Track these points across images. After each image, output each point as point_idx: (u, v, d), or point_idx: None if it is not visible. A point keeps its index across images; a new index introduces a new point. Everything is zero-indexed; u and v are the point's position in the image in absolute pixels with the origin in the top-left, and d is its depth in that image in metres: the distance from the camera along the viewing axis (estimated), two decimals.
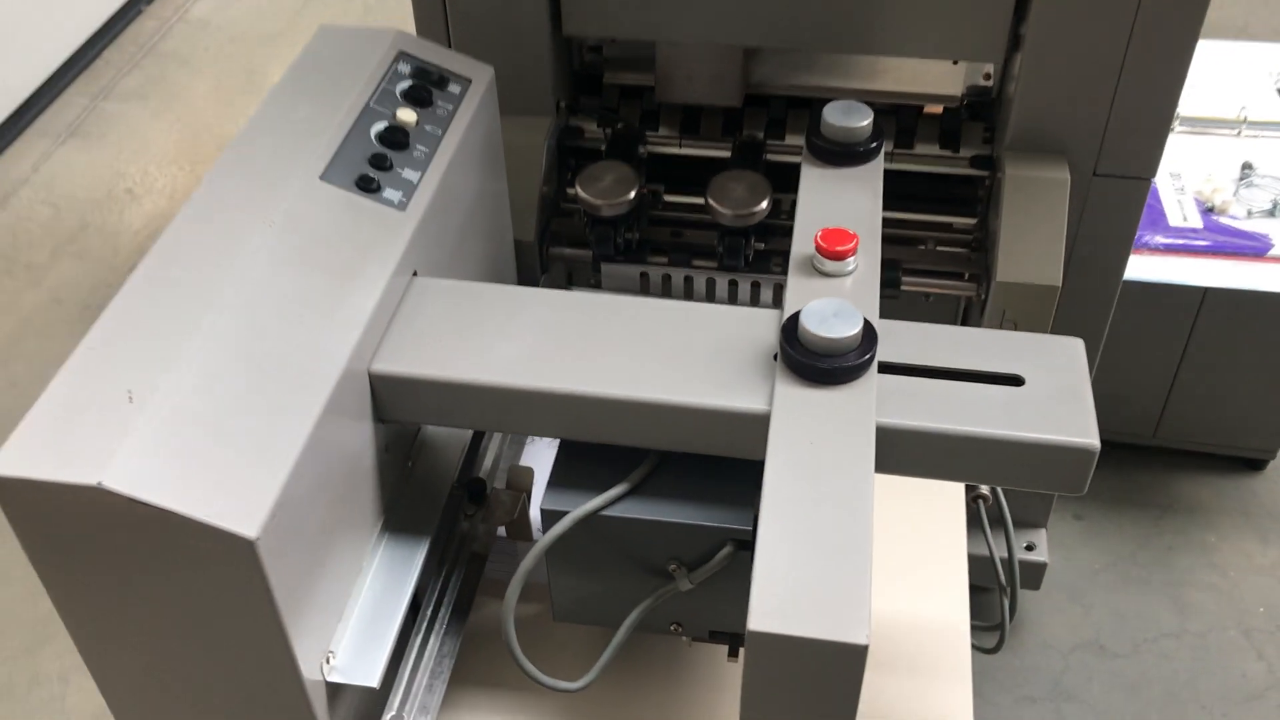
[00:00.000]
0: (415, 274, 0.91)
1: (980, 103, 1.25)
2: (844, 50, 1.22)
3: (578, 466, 0.87)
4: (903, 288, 1.22)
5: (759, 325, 0.87)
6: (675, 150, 1.29)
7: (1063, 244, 1.14)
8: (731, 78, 1.23)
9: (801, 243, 0.92)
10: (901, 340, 0.85)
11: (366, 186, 0.91)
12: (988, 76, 1.25)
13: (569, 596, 0.91)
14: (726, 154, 1.26)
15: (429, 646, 0.89)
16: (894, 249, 1.24)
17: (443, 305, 0.89)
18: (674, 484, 0.86)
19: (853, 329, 0.80)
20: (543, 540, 0.83)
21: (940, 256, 1.24)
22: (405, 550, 0.89)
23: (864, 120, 1.02)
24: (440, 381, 0.84)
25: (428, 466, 0.95)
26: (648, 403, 0.81)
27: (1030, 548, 1.52)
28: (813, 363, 0.80)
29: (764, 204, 1.15)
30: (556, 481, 0.86)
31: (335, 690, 0.81)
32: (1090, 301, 1.28)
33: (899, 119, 1.27)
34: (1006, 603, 1.21)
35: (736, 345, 0.85)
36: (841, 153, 1.01)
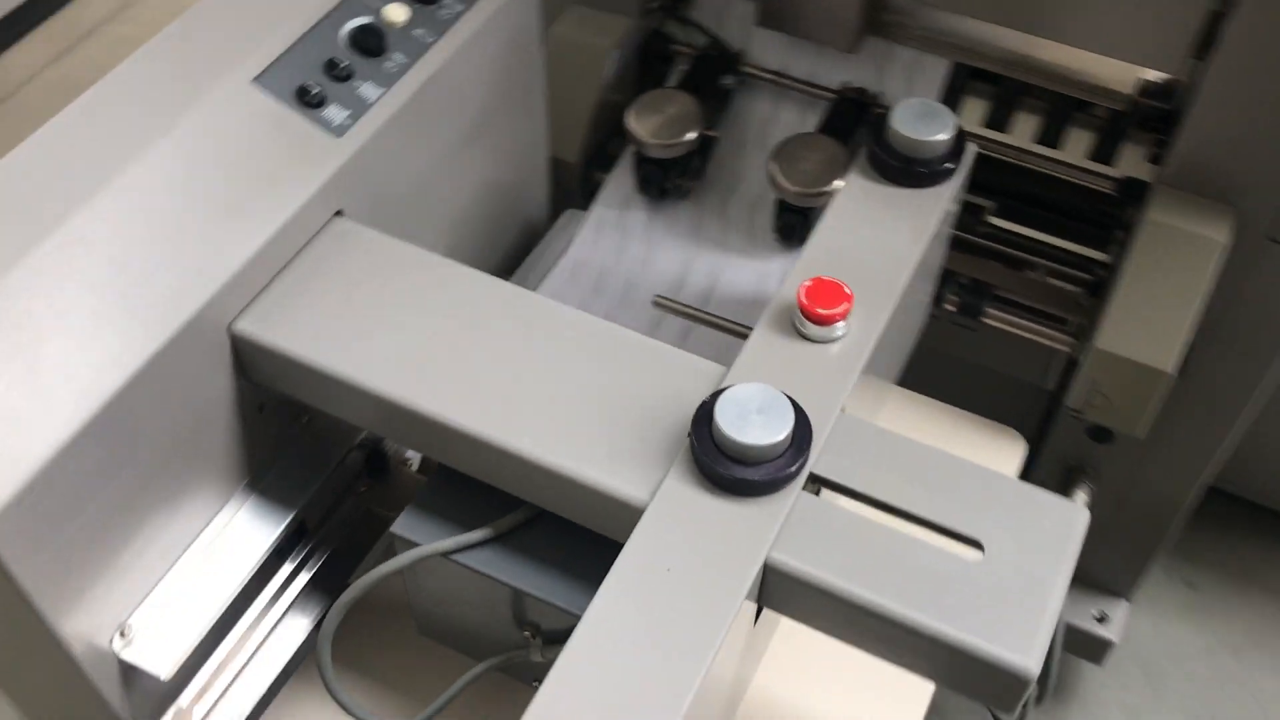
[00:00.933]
0: (339, 213, 0.78)
1: (1154, 113, 0.99)
2: (981, 17, 0.97)
3: (448, 494, 0.73)
4: (985, 320, 1.01)
5: (698, 383, 0.70)
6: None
7: (1190, 320, 0.90)
8: (847, 13, 1.00)
9: (791, 285, 0.73)
10: (858, 447, 0.67)
11: (305, 99, 0.76)
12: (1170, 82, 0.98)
13: (428, 619, 0.80)
14: (825, 101, 1.05)
15: (259, 639, 0.80)
16: (991, 268, 1.02)
17: (349, 263, 0.75)
18: (545, 545, 0.72)
19: (774, 435, 0.63)
20: (375, 572, 0.72)
21: (1047, 292, 1.01)
22: (261, 522, 0.79)
23: (942, 132, 0.79)
24: (301, 363, 0.71)
25: (329, 426, 0.84)
26: (512, 453, 0.67)
27: (1101, 618, 1.30)
28: (717, 467, 0.63)
29: (836, 184, 0.95)
30: (420, 504, 0.74)
31: (130, 670, 0.73)
32: (1226, 390, 1.03)
33: (1049, 106, 1.02)
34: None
35: (657, 406, 0.68)
36: (901, 168, 0.80)
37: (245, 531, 0.78)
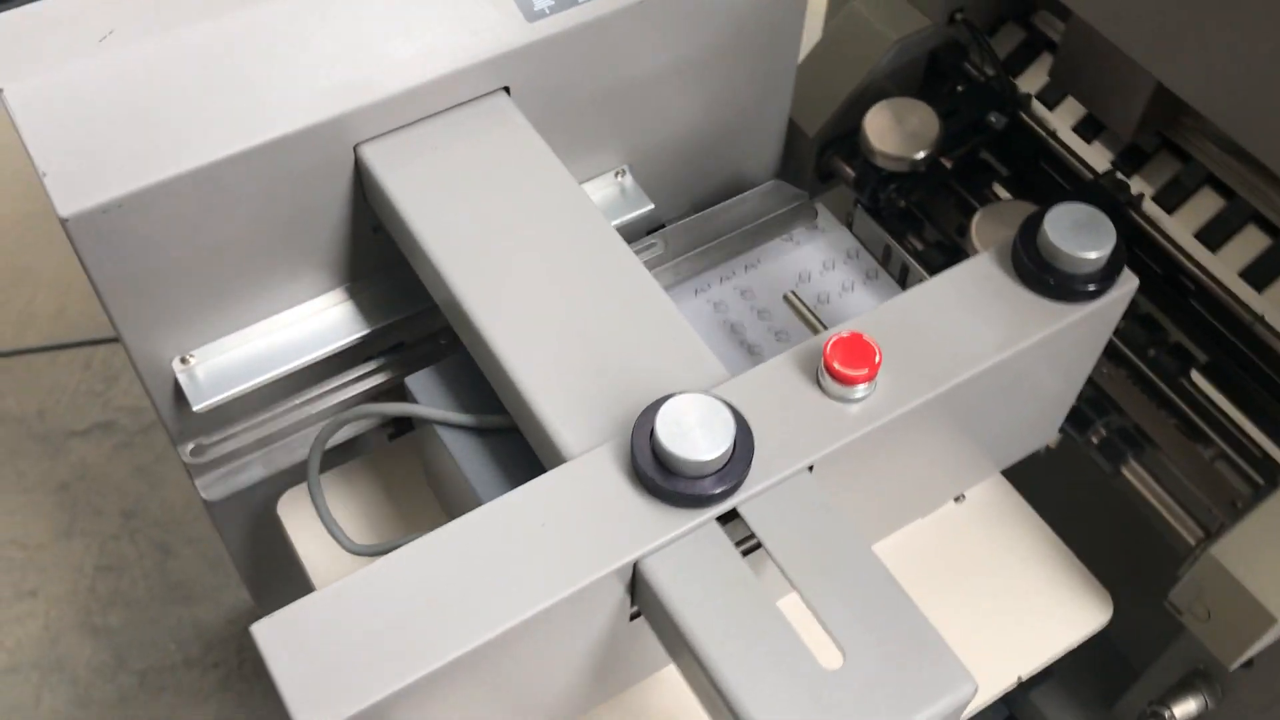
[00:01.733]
0: (507, 90, 0.82)
1: None
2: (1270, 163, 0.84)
3: (469, 372, 0.78)
4: (1123, 471, 0.90)
5: (695, 378, 0.69)
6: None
7: None
8: (1137, 99, 0.90)
9: (836, 331, 0.69)
10: (795, 509, 0.64)
11: None
12: None
13: (427, 472, 0.86)
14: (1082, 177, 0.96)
15: (300, 420, 0.88)
16: (1164, 424, 0.91)
17: (484, 139, 0.79)
18: (511, 456, 0.75)
19: (700, 454, 0.61)
20: (370, 407, 0.78)
21: (1209, 477, 0.89)
22: (345, 321, 0.86)
23: (1092, 250, 0.71)
24: (392, 205, 0.77)
25: None
26: (499, 359, 0.70)
27: None
28: (639, 460, 0.63)
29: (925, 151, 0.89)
30: (442, 370, 0.79)
31: (178, 392, 0.84)
32: None
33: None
34: None
35: (643, 382, 0.69)
36: (1032, 269, 0.72)
37: (327, 322, 0.87)
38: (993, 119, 0.99)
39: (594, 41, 0.84)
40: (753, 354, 0.96)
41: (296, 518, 0.91)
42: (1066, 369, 0.79)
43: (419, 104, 0.79)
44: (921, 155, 0.96)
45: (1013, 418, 0.81)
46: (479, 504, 0.71)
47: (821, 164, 1.07)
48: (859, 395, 0.68)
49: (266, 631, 0.59)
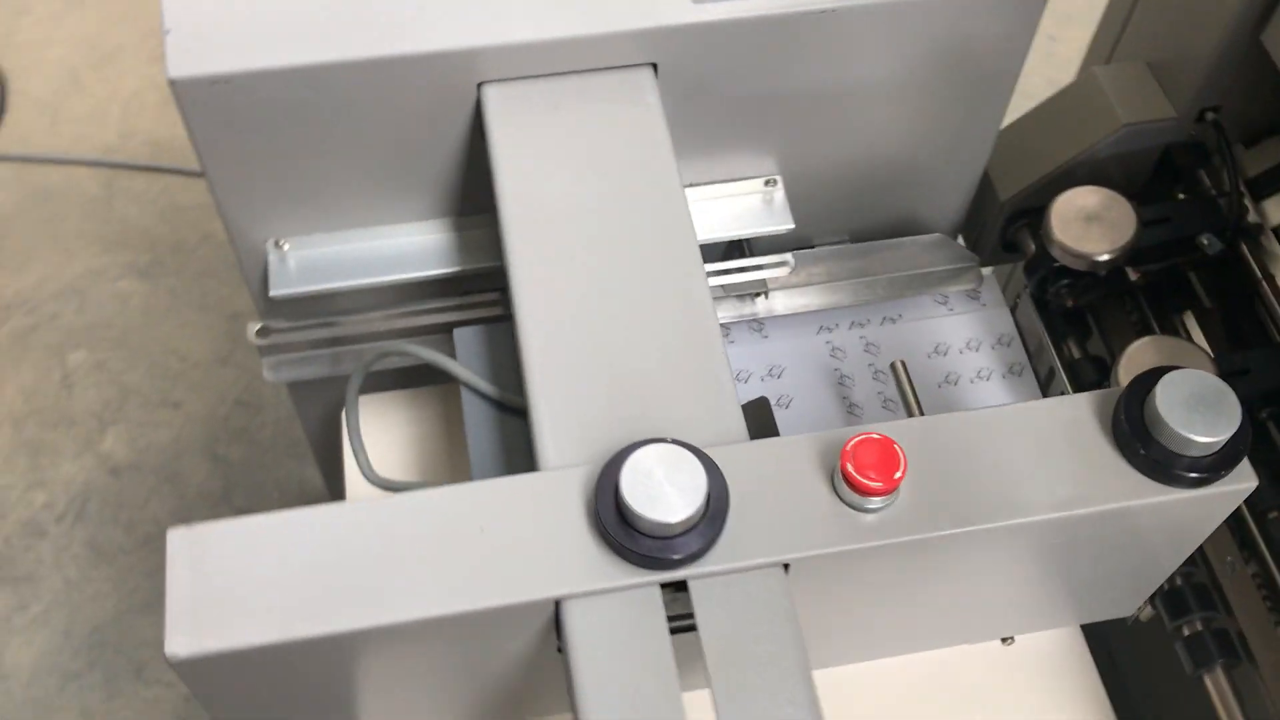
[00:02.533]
0: (654, 68, 0.76)
1: None
2: None
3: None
4: (1206, 678, 0.77)
5: (709, 419, 0.63)
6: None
7: None
8: None
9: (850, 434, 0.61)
10: (749, 605, 0.57)
11: None
12: None
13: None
14: None
15: (374, 333, 0.87)
16: (1250, 618, 0.77)
17: (603, 110, 0.75)
18: (520, 442, 0.71)
19: (661, 514, 0.56)
20: (410, 345, 0.75)
21: None
22: (440, 251, 0.84)
23: (1210, 434, 0.60)
24: (492, 149, 0.74)
25: None
26: (522, 342, 0.66)
27: None
28: (599, 504, 0.58)
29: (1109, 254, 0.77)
30: (492, 331, 0.76)
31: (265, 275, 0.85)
32: None
33: None
34: None
35: (648, 407, 0.63)
36: (1126, 437, 0.61)
37: (421, 250, 0.85)
38: (1205, 241, 0.86)
39: (765, 39, 0.77)
40: (851, 414, 0.88)
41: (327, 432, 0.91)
42: (1151, 549, 0.68)
43: (552, 57, 0.75)
44: (1105, 257, 0.84)
45: (1073, 581, 0.70)
46: (472, 475, 0.69)
47: (1007, 233, 0.96)
48: (871, 506, 0.60)
49: (179, 540, 0.58)
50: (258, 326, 0.86)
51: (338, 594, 0.57)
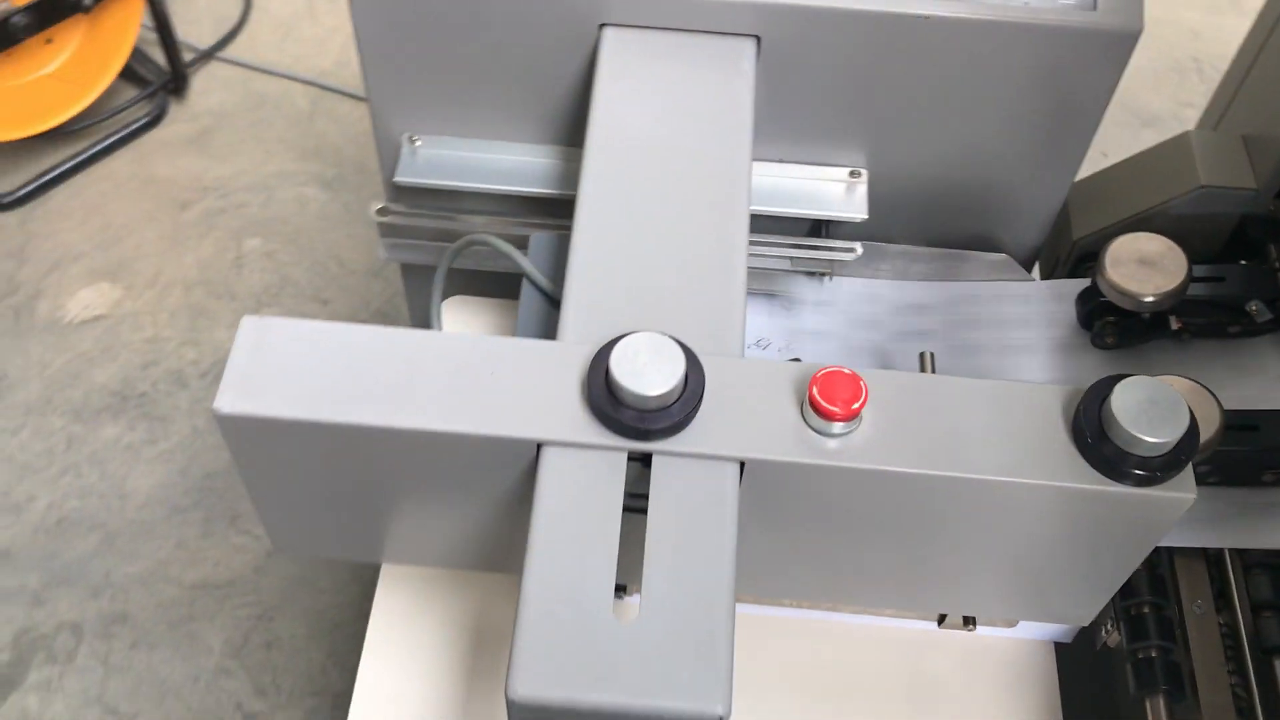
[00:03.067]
0: (757, 40, 0.85)
1: None
2: None
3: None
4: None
5: (719, 330, 0.71)
6: None
7: None
8: None
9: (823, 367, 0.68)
10: (695, 488, 0.65)
11: None
12: None
13: None
14: None
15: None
16: (1203, 656, 0.80)
17: (699, 68, 0.84)
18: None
19: (648, 388, 0.64)
20: (488, 237, 0.86)
21: None
22: (553, 175, 0.95)
23: (1155, 435, 0.64)
24: (590, 107, 0.84)
25: None
26: (572, 242, 0.76)
27: None
28: (594, 387, 0.67)
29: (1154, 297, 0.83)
30: (562, 239, 0.85)
31: (399, 158, 0.97)
32: None
33: None
34: None
35: (666, 293, 0.72)
36: (1083, 433, 0.66)
37: (532, 170, 0.96)
38: (1254, 307, 0.89)
39: (861, 33, 0.85)
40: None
41: (447, 316, 1.02)
42: (1096, 546, 0.72)
43: (667, 11, 0.85)
44: (1150, 299, 0.88)
45: (1023, 566, 0.75)
46: None
47: (1077, 272, 1.01)
48: (833, 431, 0.67)
49: (250, 325, 0.70)
50: (379, 205, 0.98)
51: (362, 394, 0.67)
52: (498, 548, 0.78)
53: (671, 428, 0.66)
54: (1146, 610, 0.83)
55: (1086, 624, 0.81)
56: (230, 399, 0.67)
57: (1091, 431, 0.66)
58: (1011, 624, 0.89)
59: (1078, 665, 0.88)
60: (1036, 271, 1.05)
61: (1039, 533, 0.71)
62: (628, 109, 0.83)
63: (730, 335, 0.73)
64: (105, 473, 1.53)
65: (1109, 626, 0.85)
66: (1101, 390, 0.67)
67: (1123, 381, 0.66)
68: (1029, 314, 0.96)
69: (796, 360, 0.90)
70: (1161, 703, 0.80)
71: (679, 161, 0.81)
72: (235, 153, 1.88)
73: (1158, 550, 0.85)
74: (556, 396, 0.68)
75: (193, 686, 1.37)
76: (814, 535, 0.74)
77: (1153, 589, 0.84)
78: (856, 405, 0.66)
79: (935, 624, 0.89)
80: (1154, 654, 0.81)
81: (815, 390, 0.66)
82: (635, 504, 0.67)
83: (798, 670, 0.88)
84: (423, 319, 1.15)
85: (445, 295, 1.05)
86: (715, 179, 0.80)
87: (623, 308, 0.73)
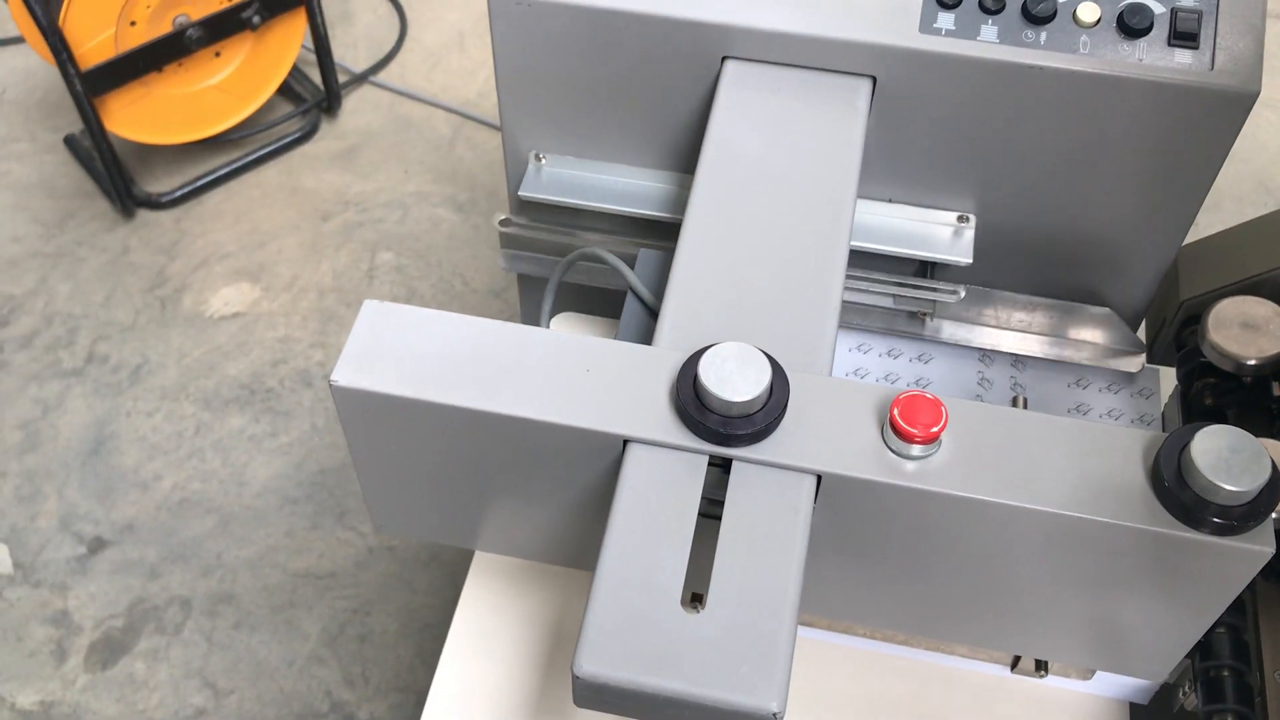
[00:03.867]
0: (874, 80, 0.88)
1: None
2: None
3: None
4: None
5: (808, 342, 0.74)
6: None
7: None
8: None
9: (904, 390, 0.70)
10: (771, 498, 0.68)
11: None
12: None
13: None
14: None
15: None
16: None
17: (816, 107, 0.87)
18: None
19: (734, 394, 0.67)
20: (599, 251, 0.90)
21: None
22: (656, 198, 1.00)
23: (1233, 484, 0.64)
24: (706, 134, 0.88)
25: None
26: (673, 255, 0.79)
27: None
28: (682, 390, 0.70)
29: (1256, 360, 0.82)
30: (668, 257, 0.89)
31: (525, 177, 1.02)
32: None
33: None
34: None
35: (761, 316, 0.75)
36: (1160, 476, 0.67)
37: (649, 193, 1.00)
38: None
39: (981, 79, 0.87)
40: None
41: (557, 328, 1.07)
42: (1164, 595, 0.72)
43: (788, 48, 0.88)
44: (1251, 363, 0.88)
45: (1095, 609, 0.75)
46: None
47: (1183, 334, 1.00)
48: (912, 454, 0.69)
49: (371, 309, 0.75)
50: (503, 217, 1.04)
51: (468, 379, 0.72)
52: (581, 543, 0.81)
53: (753, 435, 0.69)
54: (1226, 674, 0.82)
55: (1162, 680, 0.80)
56: (347, 373, 0.72)
57: (1170, 476, 0.67)
58: (1087, 676, 0.88)
59: None
60: (1142, 331, 1.05)
61: (1112, 575, 0.71)
62: (742, 136, 0.87)
63: (819, 354, 0.75)
64: (228, 460, 1.61)
65: (1186, 688, 0.84)
66: (1183, 436, 0.68)
67: (1205, 429, 0.67)
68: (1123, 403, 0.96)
69: None
70: None
71: (785, 189, 0.84)
72: (377, 171, 1.97)
73: (1242, 613, 0.84)
74: (646, 397, 0.71)
75: (287, 670, 1.43)
76: (885, 557, 0.75)
77: (1234, 653, 0.83)
78: (936, 429, 0.68)
79: (1008, 669, 0.89)
80: (1229, 719, 0.80)
81: (896, 412, 0.68)
82: (711, 510, 0.70)
83: (865, 702, 0.89)
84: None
85: (555, 310, 1.10)
86: (819, 207, 0.83)
87: (717, 319, 0.76)
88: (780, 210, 0.83)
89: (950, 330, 1.00)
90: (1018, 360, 0.99)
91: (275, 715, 1.40)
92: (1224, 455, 0.66)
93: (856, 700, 0.89)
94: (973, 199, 0.97)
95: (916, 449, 0.69)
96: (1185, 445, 0.67)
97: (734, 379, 0.68)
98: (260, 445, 1.63)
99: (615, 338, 0.88)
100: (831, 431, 0.70)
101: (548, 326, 0.94)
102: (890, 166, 0.95)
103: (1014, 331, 1.00)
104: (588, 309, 1.07)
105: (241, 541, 1.53)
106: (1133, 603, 0.74)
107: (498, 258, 1.08)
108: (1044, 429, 0.71)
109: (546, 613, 0.93)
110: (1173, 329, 1.01)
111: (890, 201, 0.98)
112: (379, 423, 0.75)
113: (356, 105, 2.08)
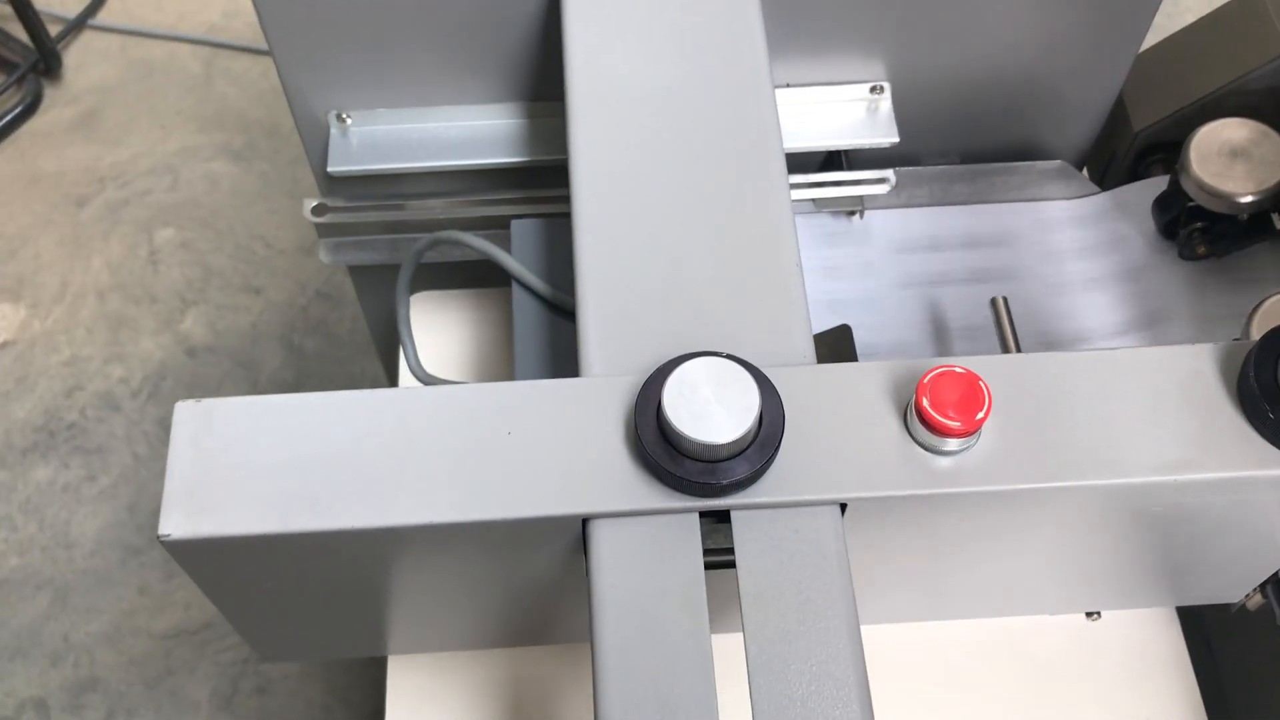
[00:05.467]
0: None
1: None
2: None
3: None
4: None
5: (788, 339, 0.56)
6: None
7: None
8: None
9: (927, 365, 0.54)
10: (793, 548, 0.51)
11: None
12: None
13: None
14: None
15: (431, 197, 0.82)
16: None
17: None
18: (569, 344, 0.65)
19: (718, 434, 0.49)
20: (463, 236, 0.70)
21: None
22: (507, 138, 0.79)
23: None
24: (564, 54, 0.67)
25: None
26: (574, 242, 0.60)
27: None
28: (649, 438, 0.51)
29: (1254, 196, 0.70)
30: (552, 225, 0.70)
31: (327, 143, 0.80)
32: None
33: None
34: None
35: (720, 313, 0.57)
36: (1259, 405, 0.53)
37: (490, 135, 0.79)
38: None
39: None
40: (935, 330, 0.80)
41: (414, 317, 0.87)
42: (1269, 530, 0.59)
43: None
44: (1248, 199, 0.75)
45: (1173, 557, 0.62)
46: (516, 377, 0.63)
47: (1139, 168, 0.87)
48: (947, 449, 0.53)
49: (185, 413, 0.54)
50: (314, 204, 0.81)
51: (345, 488, 0.52)
52: (535, 623, 0.64)
53: (750, 477, 0.52)
54: None
55: (1235, 600, 0.69)
56: (177, 519, 0.52)
57: (1270, 399, 0.53)
58: None
59: (1212, 631, 0.76)
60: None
61: (1200, 525, 0.58)
62: (611, 51, 0.66)
63: (797, 334, 0.58)
64: (44, 521, 1.36)
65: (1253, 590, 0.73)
66: (1275, 348, 0.54)
67: None
68: (1095, 236, 0.82)
69: (843, 327, 0.76)
70: None
71: (689, 110, 0.64)
72: (128, 133, 1.66)
73: None
74: (596, 452, 0.53)
75: None
76: (927, 560, 0.60)
77: None
78: (980, 415, 0.52)
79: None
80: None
81: (926, 402, 0.52)
82: (715, 559, 0.53)
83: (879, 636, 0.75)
84: (380, 325, 0.99)
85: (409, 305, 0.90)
86: (737, 126, 0.64)
87: (659, 319, 0.57)
88: (690, 142, 0.63)
89: (884, 223, 0.84)
90: (971, 242, 0.84)
91: None
92: None
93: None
94: (884, 63, 0.79)
95: (954, 443, 0.53)
96: (1279, 359, 0.53)
97: (712, 411, 0.51)
98: (79, 494, 1.37)
99: (498, 321, 0.68)
100: (845, 441, 0.53)
101: (411, 345, 0.73)
102: (784, 44, 0.76)
103: (958, 205, 0.84)
104: (444, 283, 0.87)
105: (88, 614, 1.30)
106: (1219, 542, 0.61)
107: (319, 250, 0.86)
108: (1096, 372, 0.55)
109: (489, 688, 0.75)
110: (1126, 162, 0.87)
111: (789, 86, 0.80)
112: (235, 567, 0.54)
113: (81, 58, 1.75)
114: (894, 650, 0.75)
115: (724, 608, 0.52)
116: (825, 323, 0.78)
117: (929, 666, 0.74)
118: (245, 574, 0.55)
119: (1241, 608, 0.74)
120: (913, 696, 0.73)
